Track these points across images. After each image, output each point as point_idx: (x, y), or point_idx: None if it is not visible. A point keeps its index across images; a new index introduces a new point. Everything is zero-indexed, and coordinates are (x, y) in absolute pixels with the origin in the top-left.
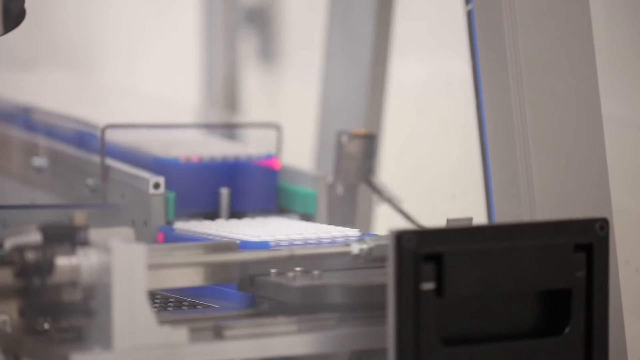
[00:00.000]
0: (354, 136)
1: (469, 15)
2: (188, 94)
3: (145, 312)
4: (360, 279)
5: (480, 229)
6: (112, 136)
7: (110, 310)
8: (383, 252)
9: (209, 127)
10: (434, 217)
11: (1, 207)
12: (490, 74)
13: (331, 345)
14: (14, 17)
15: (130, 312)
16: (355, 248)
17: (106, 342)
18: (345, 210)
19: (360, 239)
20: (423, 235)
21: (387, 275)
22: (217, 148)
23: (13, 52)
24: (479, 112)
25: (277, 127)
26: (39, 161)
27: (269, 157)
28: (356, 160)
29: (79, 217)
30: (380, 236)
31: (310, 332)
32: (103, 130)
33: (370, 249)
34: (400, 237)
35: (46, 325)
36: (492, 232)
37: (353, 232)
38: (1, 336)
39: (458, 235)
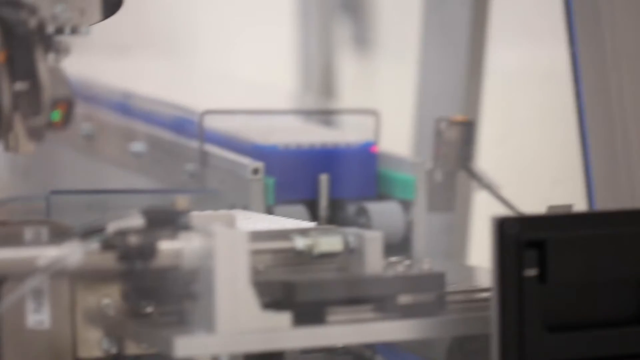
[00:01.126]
0: (452, 123)
1: (567, 1)
2: (284, 80)
3: (248, 296)
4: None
5: (582, 216)
6: (210, 122)
7: (213, 294)
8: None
9: (307, 113)
10: (533, 204)
11: (101, 192)
12: (589, 61)
13: (434, 331)
14: (112, 3)
15: (233, 296)
16: (300, 243)
17: (209, 326)
18: (444, 196)
19: (305, 234)
20: (526, 222)
21: (492, 262)
22: (316, 135)
23: (111, 39)
24: (579, 99)
25: (375, 114)
26: (138, 146)
27: (368, 143)
28: (455, 147)
29: (182, 201)
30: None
31: (414, 317)
32: (201, 115)
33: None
34: (503, 224)
35: (149, 309)
36: (595, 219)
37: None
38: (104, 319)
39: (561, 221)
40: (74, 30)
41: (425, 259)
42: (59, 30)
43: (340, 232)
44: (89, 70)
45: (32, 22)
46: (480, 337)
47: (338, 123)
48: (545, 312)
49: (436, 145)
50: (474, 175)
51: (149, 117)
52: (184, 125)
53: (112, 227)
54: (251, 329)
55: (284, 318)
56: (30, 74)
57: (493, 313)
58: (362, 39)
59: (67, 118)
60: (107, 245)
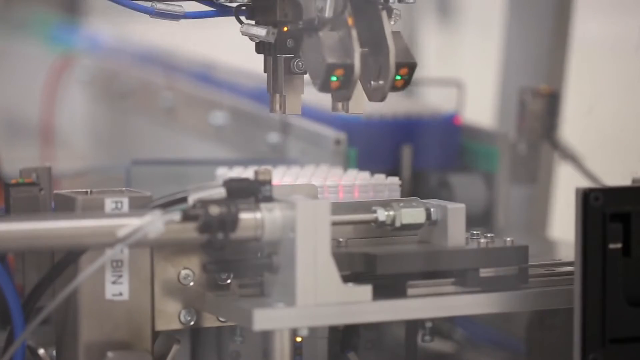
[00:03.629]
0: (537, 94)
1: None
2: None
3: (330, 268)
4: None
5: None
6: None
7: (294, 266)
8: (412, 220)
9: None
10: (618, 177)
11: (182, 163)
12: None
13: (515, 304)
14: None
15: (314, 269)
16: (382, 215)
17: (289, 299)
18: (528, 168)
19: (388, 206)
20: (610, 194)
21: (575, 234)
22: (399, 105)
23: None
24: None
25: (458, 84)
26: (219, 117)
27: (451, 114)
28: (539, 118)
29: (263, 172)
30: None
31: (495, 291)
32: None
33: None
34: (587, 196)
35: (228, 281)
36: None
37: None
38: (184, 290)
39: None
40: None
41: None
42: None
43: (423, 203)
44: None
45: None
46: (561, 312)
47: (420, 93)
48: (628, 286)
49: (520, 116)
50: (558, 147)
51: (230, 87)
52: (266, 95)
53: (193, 197)
54: (331, 302)
55: (364, 291)
56: (377, 38)
57: (576, 286)
58: (446, 9)
59: (408, 81)
60: (188, 216)
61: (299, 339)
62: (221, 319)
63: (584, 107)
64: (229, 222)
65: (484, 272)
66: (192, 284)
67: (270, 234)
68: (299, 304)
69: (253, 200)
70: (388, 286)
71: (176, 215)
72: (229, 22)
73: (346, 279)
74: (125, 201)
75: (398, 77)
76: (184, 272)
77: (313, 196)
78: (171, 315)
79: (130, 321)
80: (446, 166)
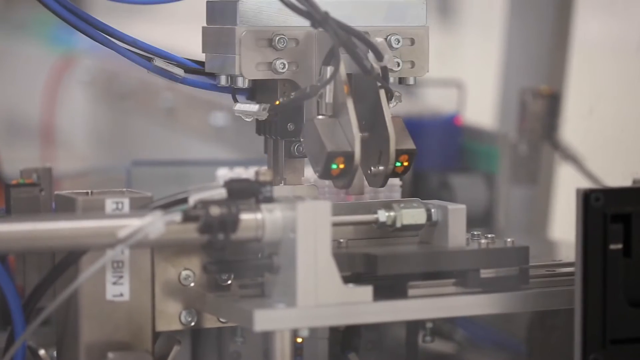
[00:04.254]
0: (538, 95)
1: None
2: None
3: (330, 269)
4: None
5: None
6: None
7: (294, 267)
8: (413, 221)
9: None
10: (619, 178)
11: (182, 163)
12: None
13: (516, 305)
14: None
15: (314, 269)
16: (383, 216)
17: (290, 299)
18: (528, 169)
19: (388, 206)
20: (611, 195)
21: (576, 235)
22: (399, 106)
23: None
24: None
25: (458, 85)
26: (219, 118)
27: (452, 115)
28: (540, 119)
29: (264, 173)
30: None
31: (496, 292)
32: None
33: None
34: (588, 196)
35: (229, 281)
36: None
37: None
38: (184, 291)
39: None
40: (401, 81)
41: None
42: (397, 80)
43: (424, 204)
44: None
45: (377, 69)
46: (562, 312)
47: (421, 94)
48: (629, 287)
49: (521, 117)
50: (558, 148)
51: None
52: None
53: (193, 198)
54: (332, 303)
55: (365, 291)
56: (377, 122)
57: (576, 287)
58: (446, 10)
59: (408, 168)
60: (188, 217)
61: (299, 340)
62: (222, 319)
63: (584, 107)
64: (230, 223)
65: (485, 273)
66: (192, 284)
67: (270, 234)
68: (299, 305)
69: (254, 201)
70: (388, 287)
71: (177, 216)
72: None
73: (347, 279)
74: (126, 202)
75: (398, 164)
76: (184, 273)
77: (314, 197)
78: (172, 316)
79: (130, 322)
80: (447, 167)
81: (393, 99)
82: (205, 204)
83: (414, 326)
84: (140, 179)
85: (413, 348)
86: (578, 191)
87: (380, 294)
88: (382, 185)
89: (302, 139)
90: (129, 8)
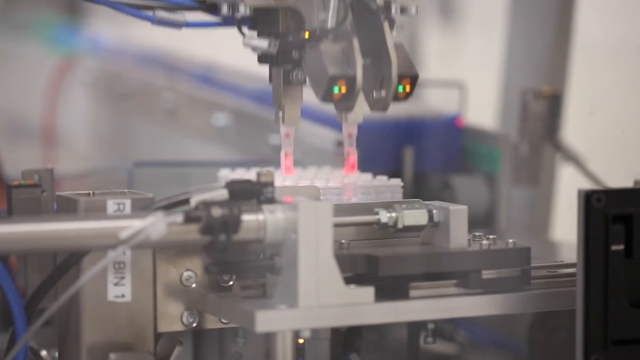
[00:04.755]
0: (539, 95)
1: None
2: None
3: (332, 269)
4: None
5: None
6: None
7: (296, 267)
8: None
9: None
10: (620, 179)
11: (184, 164)
12: None
13: (517, 306)
14: None
15: (316, 270)
16: (384, 216)
17: (292, 300)
18: (530, 169)
19: (390, 207)
20: (613, 196)
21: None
22: (401, 107)
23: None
24: None
25: (460, 86)
26: (221, 118)
27: (454, 116)
28: (541, 120)
29: (266, 174)
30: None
31: (497, 293)
32: None
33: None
34: (590, 197)
35: (231, 282)
36: None
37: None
38: (186, 292)
39: None
40: (403, 10)
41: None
42: (399, 10)
43: (425, 205)
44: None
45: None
46: (563, 314)
47: (422, 95)
48: (630, 288)
49: (522, 117)
50: (560, 148)
51: (232, 89)
52: (268, 97)
53: (195, 199)
54: (334, 304)
55: (367, 292)
56: (379, 49)
57: (578, 288)
58: (448, 11)
59: (410, 93)
60: (190, 218)
61: (301, 341)
62: (223, 320)
63: (586, 108)
64: (231, 224)
65: (486, 274)
66: (194, 285)
67: (272, 235)
68: (301, 306)
69: (255, 201)
70: (390, 288)
71: (178, 217)
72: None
73: (348, 280)
74: (128, 203)
75: (400, 89)
76: (186, 274)
77: (315, 198)
78: (173, 317)
79: (132, 323)
80: (448, 168)
81: (396, 28)
82: (206, 205)
83: (415, 327)
84: (142, 180)
85: (414, 349)
86: (580, 192)
87: (382, 294)
88: (385, 109)
89: (303, 65)
90: None
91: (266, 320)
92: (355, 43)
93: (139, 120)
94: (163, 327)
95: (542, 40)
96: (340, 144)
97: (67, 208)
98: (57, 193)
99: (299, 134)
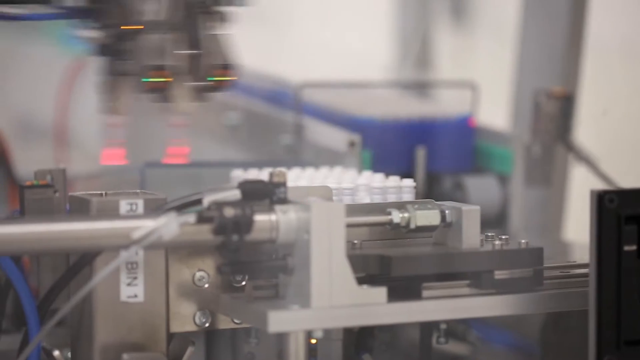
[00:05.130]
0: (551, 95)
1: None
2: (380, 52)
3: (344, 270)
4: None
5: None
6: (306, 94)
7: (309, 268)
8: (427, 222)
9: (405, 85)
10: (632, 180)
11: (196, 165)
12: None
13: (530, 306)
14: None
15: (329, 270)
16: (397, 217)
17: (304, 300)
18: (542, 170)
19: (402, 208)
20: (625, 196)
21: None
22: (413, 107)
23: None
24: None
25: (472, 86)
26: (233, 118)
27: (466, 116)
28: (554, 120)
29: (278, 174)
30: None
31: (510, 293)
32: (298, 88)
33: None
34: (602, 198)
35: (243, 282)
36: None
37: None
38: (199, 292)
39: None
40: (231, 2)
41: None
42: (220, 2)
43: (438, 205)
44: None
45: None
46: (575, 314)
47: (434, 95)
48: None
49: (534, 118)
50: (572, 149)
51: (244, 89)
52: (280, 97)
53: (208, 199)
54: (346, 304)
55: (379, 293)
56: (194, 41)
57: (591, 288)
58: (459, 10)
59: (226, 82)
60: (202, 218)
61: (313, 341)
62: (236, 320)
63: (598, 108)
64: (244, 224)
65: (499, 274)
66: (207, 285)
67: (285, 235)
68: (313, 306)
69: (268, 202)
70: (402, 288)
71: (191, 217)
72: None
73: (361, 280)
74: (140, 203)
75: (215, 78)
76: (198, 274)
77: (328, 198)
78: (186, 317)
79: (145, 323)
80: (460, 168)
81: (217, 20)
82: (219, 205)
83: (428, 327)
84: (154, 180)
85: (427, 349)
86: (592, 192)
87: (394, 295)
88: (201, 100)
89: (127, 56)
90: None
91: (279, 320)
92: (171, 35)
93: (150, 120)
94: (175, 328)
95: (554, 40)
96: (352, 144)
97: (80, 208)
98: (70, 193)
99: (310, 134)
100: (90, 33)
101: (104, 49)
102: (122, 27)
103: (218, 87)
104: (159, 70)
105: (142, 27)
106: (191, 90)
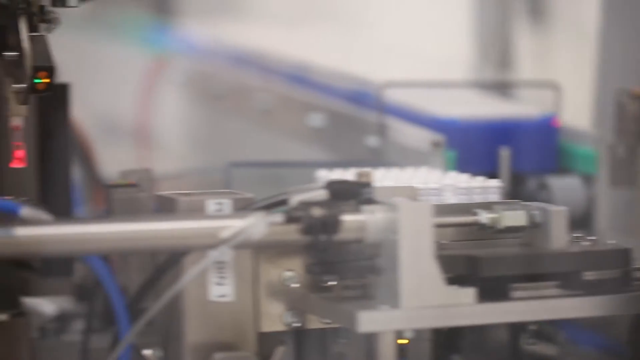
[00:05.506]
0: (634, 95)
1: None
2: (461, 52)
3: (433, 270)
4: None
5: None
6: (389, 94)
7: (397, 268)
8: (514, 223)
9: (487, 86)
10: None
11: (280, 165)
12: None
13: (619, 307)
14: None
15: (417, 271)
16: (484, 217)
17: (393, 300)
18: (627, 171)
19: (489, 208)
20: None
21: None
22: (495, 108)
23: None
24: None
25: (555, 86)
26: (316, 119)
27: (549, 116)
28: (637, 121)
29: (365, 174)
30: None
31: (599, 294)
32: (381, 88)
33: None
34: None
35: (332, 282)
36: None
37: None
38: (286, 293)
39: None
40: (64, 3)
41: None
42: (51, 2)
43: (525, 206)
44: (265, 41)
45: None
46: None
47: (515, 95)
48: None
49: (618, 118)
50: None
51: (326, 89)
52: (363, 97)
53: (295, 199)
54: (435, 304)
55: (468, 293)
56: (16, 44)
57: None
58: (538, 10)
59: (49, 84)
60: (290, 218)
61: (403, 341)
62: (325, 320)
63: None
64: (332, 224)
65: (588, 275)
66: (295, 285)
67: (372, 236)
68: (403, 306)
69: (355, 202)
70: (491, 289)
71: (279, 217)
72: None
73: (449, 281)
74: (228, 203)
75: (38, 80)
76: (287, 274)
77: (414, 198)
78: (275, 317)
79: (234, 323)
80: (544, 169)
81: (49, 21)
82: (306, 205)
83: (516, 328)
84: (237, 180)
85: (516, 350)
86: None
87: (483, 295)
88: (24, 103)
89: None
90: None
91: (368, 320)
92: None
93: (232, 121)
94: (265, 327)
95: (636, 39)
96: (436, 144)
97: (167, 208)
98: (157, 193)
99: (394, 135)
100: None
101: None
102: None
103: (43, 89)
104: None
105: None
106: (18, 93)
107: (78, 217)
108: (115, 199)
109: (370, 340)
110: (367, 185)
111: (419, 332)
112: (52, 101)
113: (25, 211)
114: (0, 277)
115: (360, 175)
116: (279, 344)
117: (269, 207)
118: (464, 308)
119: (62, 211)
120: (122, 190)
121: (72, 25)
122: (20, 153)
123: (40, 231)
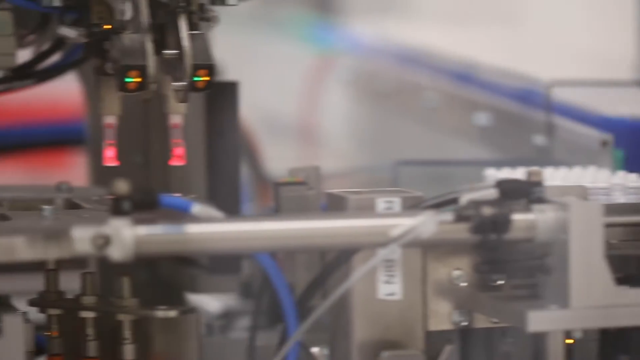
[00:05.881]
0: None
1: None
2: (624, 50)
3: (603, 270)
4: None
5: None
6: (555, 93)
7: (567, 268)
8: None
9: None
10: None
11: (448, 163)
12: None
13: None
14: None
15: (587, 270)
16: None
17: (562, 300)
18: None
19: None
20: None
21: None
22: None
23: (454, 7)
24: None
25: None
26: (482, 118)
27: None
28: None
29: (535, 173)
30: None
31: None
32: (549, 87)
33: None
34: None
35: (500, 282)
36: None
37: None
38: (455, 291)
39: None
40: (223, 2)
41: None
42: (210, 1)
43: None
44: (430, 40)
45: None
46: None
47: None
48: None
49: None
50: None
51: (492, 88)
52: (529, 96)
53: (465, 198)
54: (605, 304)
55: (639, 294)
56: (176, 42)
57: None
58: None
59: (209, 82)
60: (461, 217)
61: (570, 341)
62: (493, 319)
63: None
64: (502, 223)
65: None
66: (464, 284)
67: (542, 235)
68: (572, 306)
69: (525, 201)
70: None
71: (449, 216)
72: (490, 22)
73: (618, 281)
74: (397, 201)
75: (197, 79)
76: (455, 273)
77: (583, 198)
78: (443, 316)
79: (402, 321)
80: None
81: (208, 19)
82: (476, 204)
83: None
84: (404, 178)
85: None
86: None
87: None
88: (183, 101)
89: (110, 56)
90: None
91: (538, 320)
92: (150, 34)
93: (399, 119)
94: (433, 326)
95: None
96: (605, 144)
97: (336, 206)
98: (326, 190)
99: (562, 134)
100: (73, 32)
101: (88, 48)
102: (104, 27)
103: (203, 87)
104: (139, 69)
105: (122, 27)
106: (177, 91)
107: (248, 215)
108: (283, 196)
109: (537, 339)
110: (537, 184)
111: (585, 332)
112: (222, 99)
113: (197, 208)
114: (169, 274)
115: (530, 174)
116: (446, 343)
117: (439, 205)
118: (634, 308)
119: (231, 209)
120: (290, 188)
121: (238, 24)
122: (179, 151)
123: (211, 228)
